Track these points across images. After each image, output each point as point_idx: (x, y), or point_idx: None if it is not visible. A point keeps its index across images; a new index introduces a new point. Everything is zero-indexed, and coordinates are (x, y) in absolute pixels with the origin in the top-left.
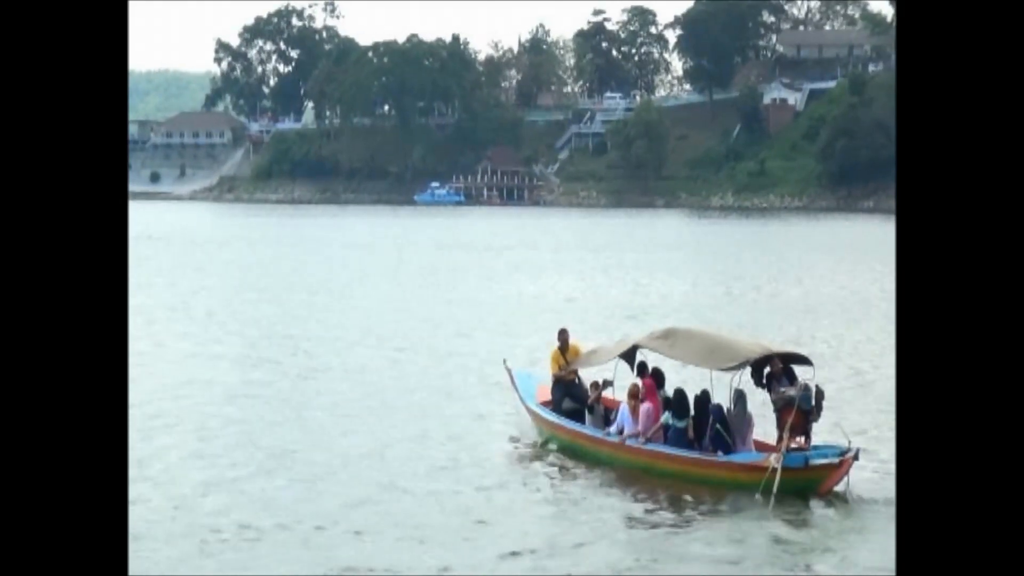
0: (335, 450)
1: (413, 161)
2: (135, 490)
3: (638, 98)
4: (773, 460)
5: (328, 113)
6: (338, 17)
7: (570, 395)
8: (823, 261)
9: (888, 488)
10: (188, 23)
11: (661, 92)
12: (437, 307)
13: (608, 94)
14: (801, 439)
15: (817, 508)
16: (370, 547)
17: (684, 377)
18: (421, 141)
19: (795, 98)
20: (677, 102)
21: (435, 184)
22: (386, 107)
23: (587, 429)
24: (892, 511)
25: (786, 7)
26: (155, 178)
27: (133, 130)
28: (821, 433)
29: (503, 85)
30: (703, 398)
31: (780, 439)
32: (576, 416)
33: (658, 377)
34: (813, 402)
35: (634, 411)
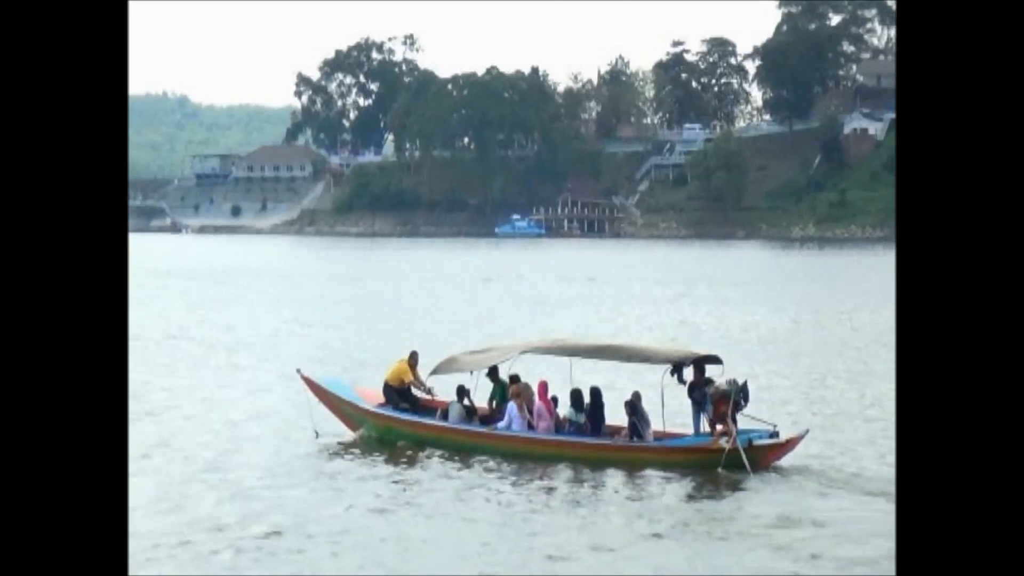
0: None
1: (493, 193)
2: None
3: (718, 129)
4: (723, 442)
5: (408, 146)
6: (418, 50)
7: (404, 399)
8: None
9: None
10: (269, 58)
11: (741, 123)
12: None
13: (687, 125)
14: (731, 424)
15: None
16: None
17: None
18: (501, 173)
19: (876, 128)
20: (757, 132)
21: (516, 216)
22: (466, 139)
23: (473, 426)
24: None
25: (866, 37)
26: (236, 211)
27: (215, 164)
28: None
29: (582, 117)
30: (595, 394)
31: (720, 424)
32: None
33: (515, 381)
34: (741, 393)
35: (521, 409)
